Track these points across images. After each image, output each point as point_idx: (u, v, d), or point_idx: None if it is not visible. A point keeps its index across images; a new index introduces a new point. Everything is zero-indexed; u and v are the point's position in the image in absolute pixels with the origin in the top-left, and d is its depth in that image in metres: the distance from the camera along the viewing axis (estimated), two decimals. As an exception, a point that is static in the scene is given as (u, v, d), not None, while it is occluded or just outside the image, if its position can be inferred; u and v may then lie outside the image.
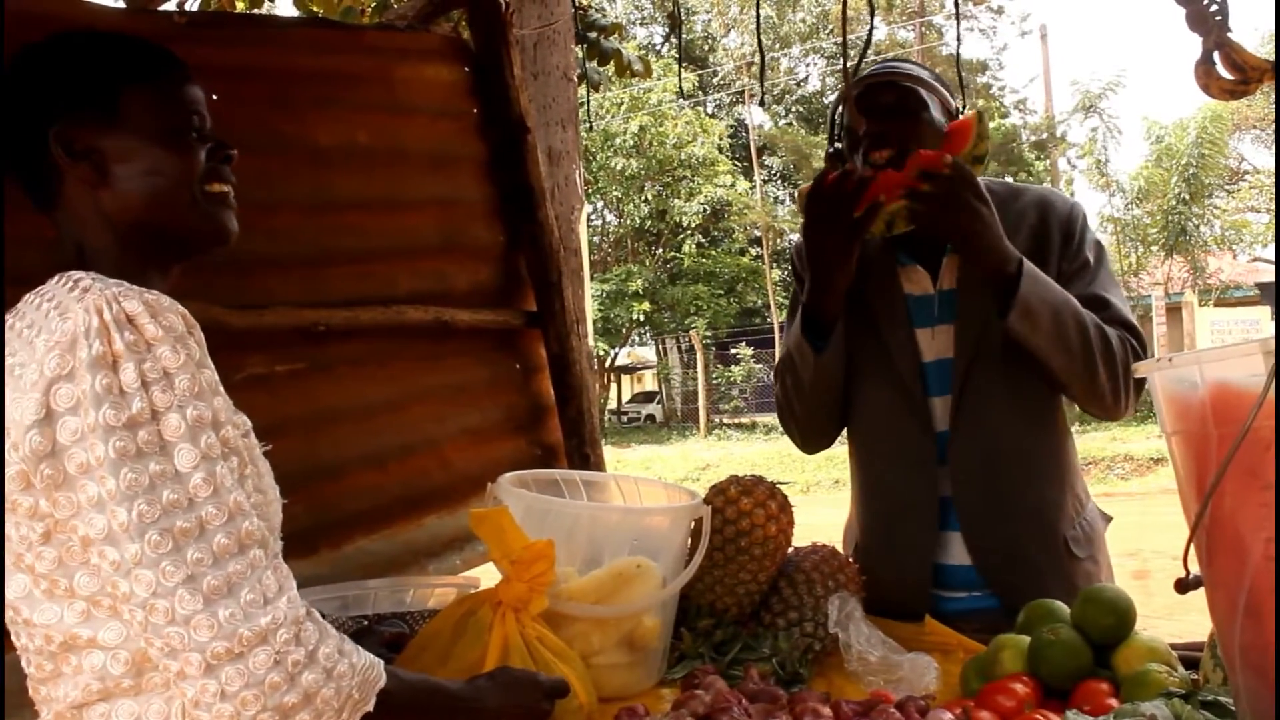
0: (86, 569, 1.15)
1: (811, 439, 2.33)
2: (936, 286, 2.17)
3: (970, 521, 2.13)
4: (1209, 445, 1.12)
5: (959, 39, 2.26)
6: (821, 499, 13.96)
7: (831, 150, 2.23)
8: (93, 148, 1.28)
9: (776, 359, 2.37)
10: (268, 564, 1.16)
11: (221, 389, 1.25)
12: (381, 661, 1.24)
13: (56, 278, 1.22)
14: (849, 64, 2.11)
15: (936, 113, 2.11)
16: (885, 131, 2.07)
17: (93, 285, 1.17)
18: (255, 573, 1.14)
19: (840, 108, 2.20)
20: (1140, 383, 2.08)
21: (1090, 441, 16.49)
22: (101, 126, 1.29)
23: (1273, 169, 24.15)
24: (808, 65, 34.16)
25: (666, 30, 33.09)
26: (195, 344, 1.20)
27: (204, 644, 1.09)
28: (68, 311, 1.14)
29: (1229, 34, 1.79)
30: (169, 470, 1.12)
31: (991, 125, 25.08)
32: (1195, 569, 1.20)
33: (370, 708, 1.21)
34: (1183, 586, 1.20)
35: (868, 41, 2.07)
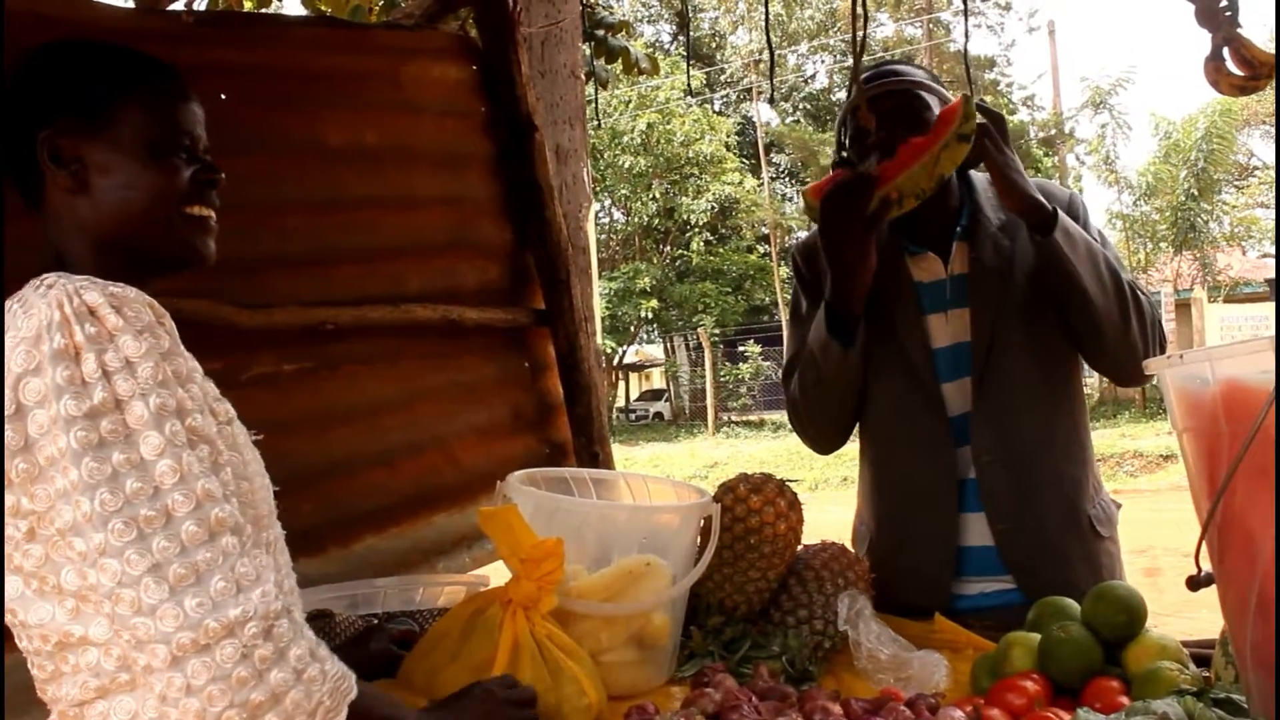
0: (71, 564, 1.14)
1: (827, 439, 2.35)
2: (948, 272, 2.19)
3: (995, 503, 2.14)
4: (1220, 442, 1.12)
5: (966, 34, 2.26)
6: (829, 497, 13.94)
7: (839, 159, 2.26)
8: (76, 156, 1.29)
9: (783, 365, 2.38)
10: (242, 552, 1.15)
11: (198, 378, 1.24)
12: (354, 674, 1.22)
13: (32, 281, 1.22)
14: (874, 58, 2.12)
15: (933, 103, 2.15)
16: (891, 139, 2.09)
17: (57, 282, 1.17)
18: (227, 561, 1.12)
19: (846, 118, 2.22)
20: (1163, 340, 2.13)
21: (1100, 438, 16.44)
22: (87, 136, 1.29)
23: (1282, 164, 24.06)
24: (816, 62, 34.14)
25: (674, 28, 33.09)
26: (165, 334, 1.19)
27: (170, 634, 1.08)
28: (32, 308, 1.15)
29: (1238, 29, 1.78)
30: (134, 458, 1.11)
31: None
32: (1206, 566, 1.19)
33: (342, 718, 1.18)
34: (1194, 584, 1.20)
35: (862, 44, 2.07)
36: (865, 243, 2.08)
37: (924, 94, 2.15)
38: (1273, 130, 25.01)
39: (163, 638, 1.08)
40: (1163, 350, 2.12)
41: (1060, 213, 2.04)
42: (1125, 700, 1.50)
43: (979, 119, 2.03)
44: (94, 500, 1.09)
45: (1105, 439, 16.66)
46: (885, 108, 2.12)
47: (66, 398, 1.10)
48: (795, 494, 2.02)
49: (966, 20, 2.33)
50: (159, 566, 1.09)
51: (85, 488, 1.09)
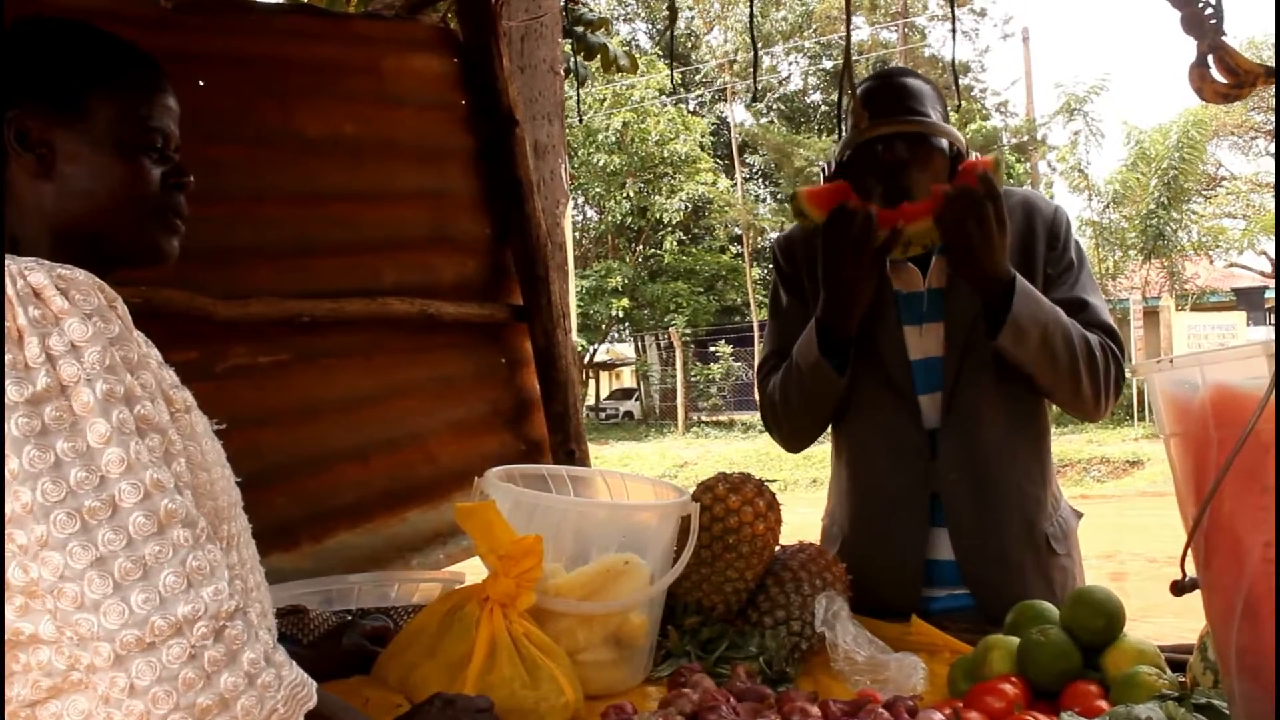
0: (14, 558, 1.07)
1: (800, 440, 2.34)
2: (926, 284, 2.18)
3: (957, 518, 2.15)
4: (1209, 447, 1.11)
5: (954, 33, 2.25)
6: (799, 497, 13.95)
7: (827, 170, 2.22)
8: (45, 141, 1.25)
9: (758, 361, 2.37)
10: (195, 546, 1.09)
11: (152, 364, 1.19)
12: (314, 683, 1.16)
13: None
14: (840, 70, 2.09)
15: (943, 141, 2.12)
16: (903, 181, 2.08)
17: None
18: (177, 555, 1.07)
19: (847, 151, 2.17)
20: (1120, 384, 2.13)
21: (1067, 444, 16.58)
22: (58, 122, 1.25)
23: (1250, 175, 24.36)
24: (790, 64, 34.20)
25: (650, 27, 33.07)
26: (117, 318, 1.14)
27: (114, 631, 1.02)
28: None
29: (1224, 37, 1.78)
30: (79, 447, 1.06)
31: (973, 127, 25.18)
32: (1191, 571, 1.19)
33: None
34: (1179, 589, 1.19)
35: (847, 60, 2.05)
36: (872, 272, 2.06)
37: (930, 137, 2.11)
38: (1240, 141, 25.31)
39: (106, 635, 1.02)
40: (1118, 391, 2.14)
41: (1015, 301, 1.99)
42: (1103, 704, 1.50)
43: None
44: (35, 490, 1.03)
45: (1073, 444, 16.79)
46: (896, 154, 2.08)
47: (8, 383, 1.04)
48: (773, 494, 2.02)
49: (954, 27, 2.32)
50: (104, 560, 1.03)
51: (26, 477, 1.03)
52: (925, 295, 2.18)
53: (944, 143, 2.12)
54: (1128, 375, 2.03)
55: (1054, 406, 2.24)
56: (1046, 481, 2.22)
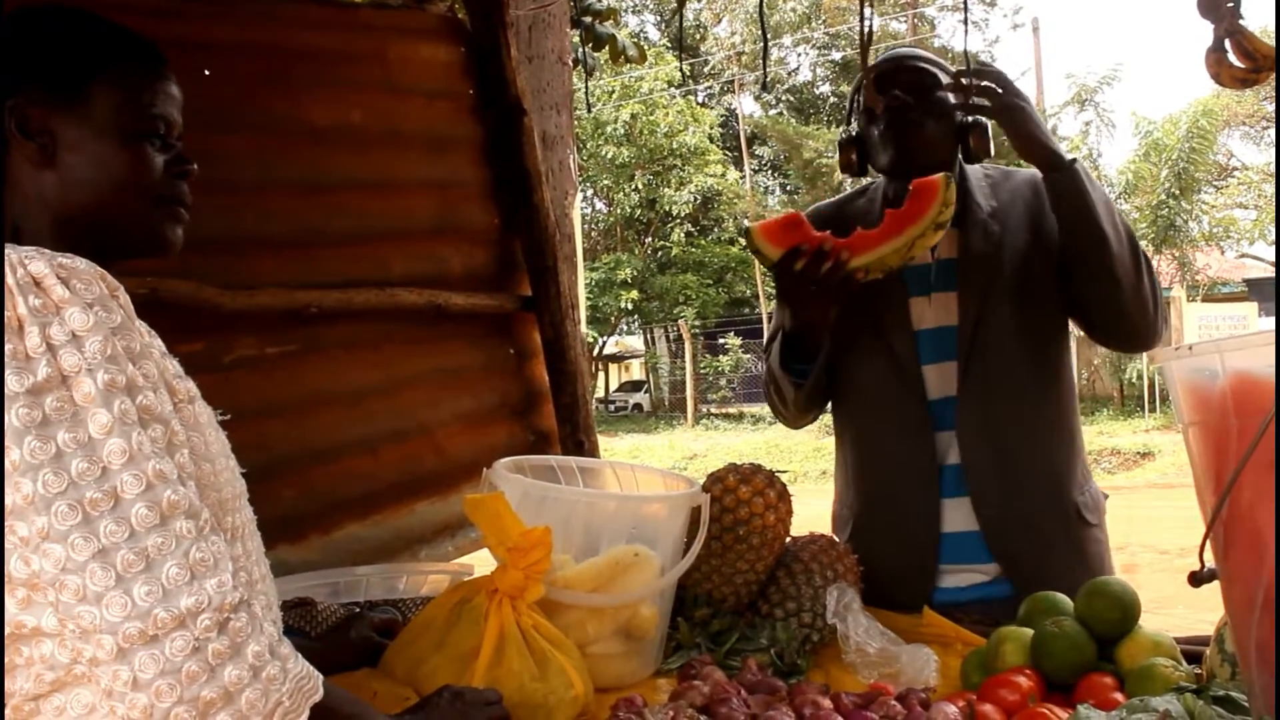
0: (15, 550, 1.06)
1: (793, 422, 2.37)
2: (935, 256, 2.17)
3: (980, 488, 2.12)
4: (1229, 437, 1.09)
5: (966, 23, 2.24)
6: (810, 489, 13.95)
7: (844, 136, 2.28)
8: (47, 129, 1.24)
9: (765, 348, 2.37)
10: (198, 537, 1.08)
11: (155, 354, 1.18)
12: (321, 676, 1.16)
13: None
14: (858, 53, 2.11)
15: (946, 91, 2.16)
16: (907, 123, 2.12)
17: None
18: (180, 546, 1.06)
19: (858, 94, 2.24)
20: (1161, 302, 2.12)
21: (1077, 435, 16.53)
22: (61, 110, 1.24)
23: (1262, 165, 24.23)
24: (799, 55, 34.13)
25: (658, 19, 33.03)
26: (118, 308, 1.13)
27: (116, 624, 1.01)
28: None
29: (1240, 21, 1.76)
30: (81, 438, 1.05)
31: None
32: (1210, 562, 1.17)
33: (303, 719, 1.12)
34: (1197, 580, 1.17)
35: (869, 36, 2.07)
36: (831, 301, 2.08)
37: (932, 69, 2.16)
38: (1252, 131, 25.18)
39: (109, 628, 1.02)
40: (1162, 314, 2.13)
41: (1078, 162, 2.05)
42: (1119, 697, 1.49)
43: (984, 82, 2.05)
44: (37, 482, 1.02)
45: (1083, 435, 16.74)
46: (898, 84, 2.13)
47: (8, 373, 1.03)
48: (784, 485, 2.00)
49: (966, 20, 2.31)
50: (106, 552, 1.02)
51: (27, 468, 1.02)
52: (934, 267, 2.18)
53: (948, 91, 2.15)
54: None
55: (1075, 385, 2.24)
56: (1074, 450, 2.20)
